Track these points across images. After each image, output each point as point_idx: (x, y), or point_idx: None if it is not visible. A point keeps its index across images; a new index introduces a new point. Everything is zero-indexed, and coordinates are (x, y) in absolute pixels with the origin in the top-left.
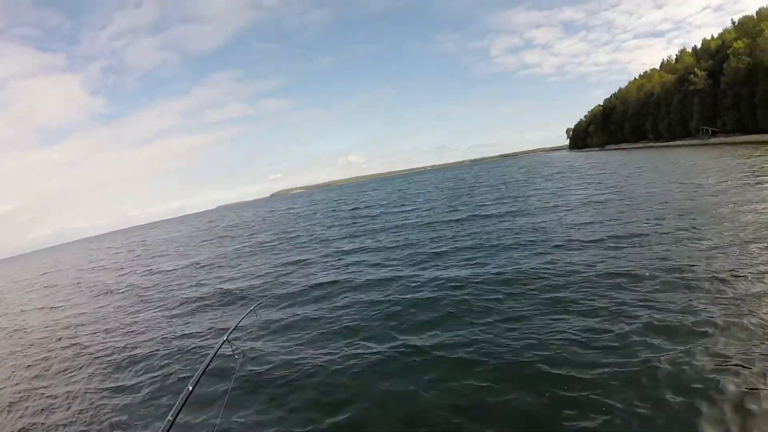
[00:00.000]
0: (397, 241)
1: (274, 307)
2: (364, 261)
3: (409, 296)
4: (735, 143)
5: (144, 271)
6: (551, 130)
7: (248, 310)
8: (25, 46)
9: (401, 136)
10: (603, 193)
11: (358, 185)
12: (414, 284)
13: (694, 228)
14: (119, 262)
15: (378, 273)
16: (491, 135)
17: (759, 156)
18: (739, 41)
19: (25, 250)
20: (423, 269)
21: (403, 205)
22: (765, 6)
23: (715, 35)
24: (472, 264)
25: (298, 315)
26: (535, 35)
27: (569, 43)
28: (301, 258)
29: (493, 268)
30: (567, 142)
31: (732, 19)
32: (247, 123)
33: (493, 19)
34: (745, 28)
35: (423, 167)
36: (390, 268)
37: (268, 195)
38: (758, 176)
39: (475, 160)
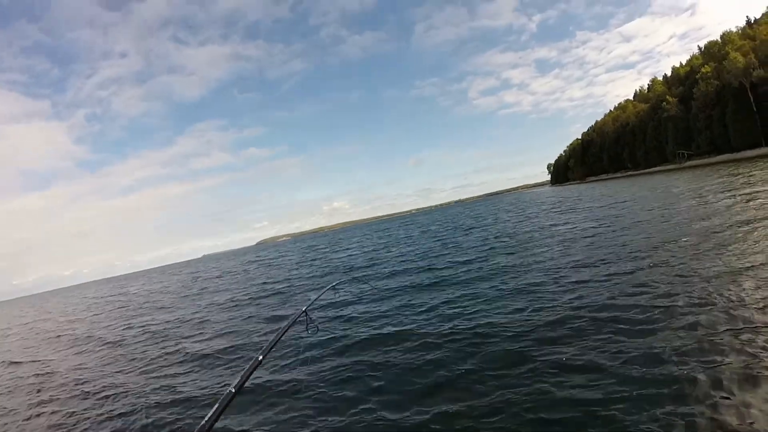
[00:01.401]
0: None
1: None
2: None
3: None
4: (710, 164)
5: (120, 325)
6: (533, 167)
7: (328, 286)
8: (11, 92)
9: (385, 180)
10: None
11: (344, 231)
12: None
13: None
14: (97, 314)
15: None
16: (475, 175)
17: (734, 174)
18: (706, 66)
19: (9, 296)
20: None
21: (392, 248)
22: (728, 30)
23: (684, 62)
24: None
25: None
26: (511, 75)
27: (544, 81)
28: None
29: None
30: (549, 177)
31: (698, 45)
32: (230, 171)
33: (470, 62)
34: (711, 52)
35: (408, 210)
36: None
37: (254, 243)
38: (728, 191)
39: (460, 201)
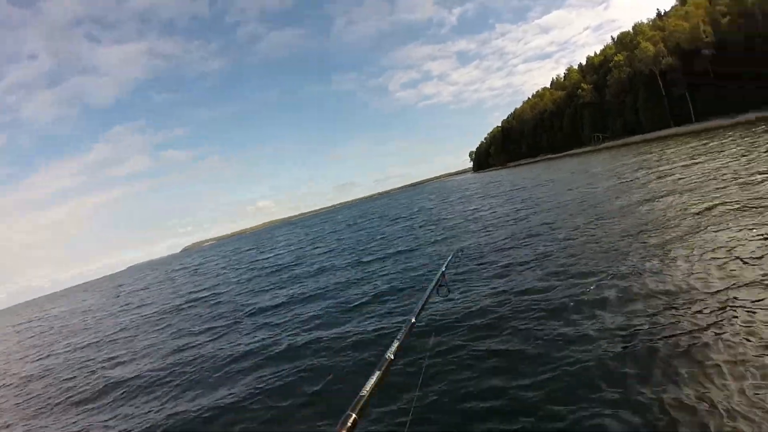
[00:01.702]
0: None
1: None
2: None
3: None
4: (625, 145)
5: (39, 355)
6: (455, 156)
7: (452, 254)
8: None
9: (308, 177)
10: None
11: (268, 230)
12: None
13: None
14: (13, 343)
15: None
16: (397, 167)
17: (647, 153)
18: (619, 55)
19: None
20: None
21: (319, 246)
22: (639, 21)
23: (598, 52)
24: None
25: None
26: (431, 67)
27: (464, 72)
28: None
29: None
30: (471, 165)
31: (612, 36)
32: (151, 177)
33: (390, 56)
34: (624, 42)
35: (332, 205)
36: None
37: (179, 250)
38: (643, 169)
39: (383, 193)
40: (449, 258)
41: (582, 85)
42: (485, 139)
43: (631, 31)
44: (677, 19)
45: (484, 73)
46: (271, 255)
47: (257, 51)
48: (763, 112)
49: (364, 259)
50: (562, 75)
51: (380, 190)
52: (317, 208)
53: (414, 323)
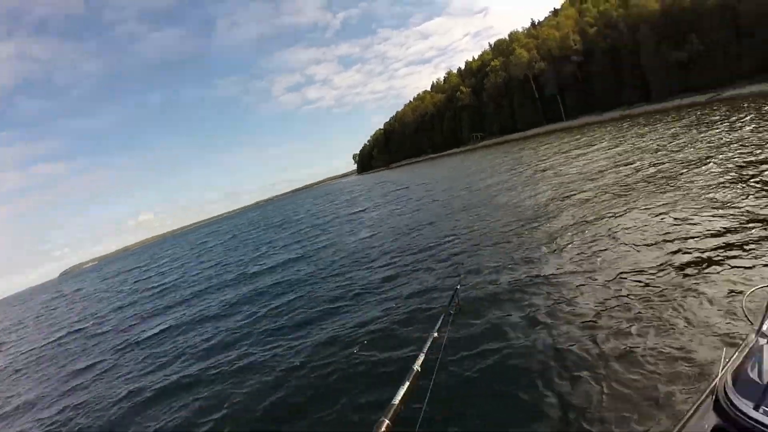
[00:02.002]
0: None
1: None
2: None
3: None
4: (502, 143)
5: None
6: (340, 159)
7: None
8: None
9: (192, 187)
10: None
11: (155, 245)
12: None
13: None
14: None
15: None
16: (282, 173)
17: (522, 149)
18: (495, 60)
19: None
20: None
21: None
22: (515, 30)
23: (476, 57)
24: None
25: None
26: (314, 71)
27: (347, 76)
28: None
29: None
30: (355, 167)
31: (489, 43)
32: (22, 196)
33: (273, 59)
34: (500, 48)
35: (218, 215)
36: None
37: (57, 275)
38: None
39: (269, 199)
40: (460, 277)
41: (461, 88)
42: (368, 141)
43: (507, 38)
44: (549, 28)
45: (366, 77)
46: (155, 274)
47: (137, 52)
48: (626, 110)
49: (251, 271)
50: (442, 79)
51: (268, 196)
52: (205, 218)
53: (436, 337)
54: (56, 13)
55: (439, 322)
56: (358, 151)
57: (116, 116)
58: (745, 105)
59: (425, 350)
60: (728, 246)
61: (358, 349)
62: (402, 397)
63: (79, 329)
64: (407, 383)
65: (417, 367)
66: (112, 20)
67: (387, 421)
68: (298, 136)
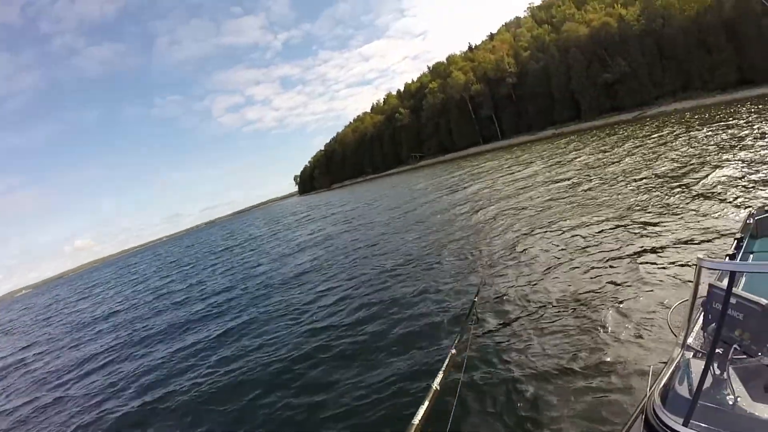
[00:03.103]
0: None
1: None
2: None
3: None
4: (440, 162)
5: None
6: (280, 180)
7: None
8: None
9: (130, 210)
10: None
11: (91, 272)
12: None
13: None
14: None
15: None
16: (223, 194)
17: (461, 167)
18: (433, 82)
19: None
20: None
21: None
22: (452, 53)
23: (415, 79)
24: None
25: None
26: (254, 92)
27: (288, 97)
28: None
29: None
30: (296, 188)
31: (428, 65)
32: None
33: (213, 79)
34: (438, 71)
35: (158, 239)
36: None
37: None
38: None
39: (210, 222)
40: (478, 290)
41: (400, 109)
42: (309, 162)
43: (445, 61)
44: (485, 52)
45: (307, 98)
46: (88, 304)
47: (74, 66)
48: (558, 128)
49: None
50: (381, 100)
51: (209, 218)
52: (144, 242)
53: (454, 354)
54: None
55: (457, 337)
56: (298, 173)
57: (53, 133)
58: (672, 120)
59: (444, 368)
60: (653, 260)
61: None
62: (422, 418)
63: (7, 365)
64: (426, 403)
65: (436, 385)
66: (49, 32)
67: None
68: (238, 158)
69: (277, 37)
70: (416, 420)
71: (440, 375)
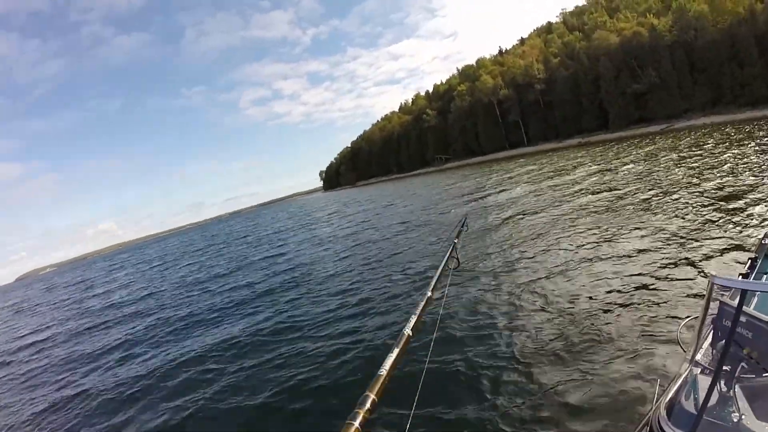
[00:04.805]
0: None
1: None
2: None
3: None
4: (467, 165)
5: None
6: (305, 174)
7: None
8: None
9: (154, 197)
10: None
11: (115, 254)
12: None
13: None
14: None
15: None
16: (247, 187)
17: (490, 172)
18: (462, 85)
19: None
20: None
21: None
22: (482, 56)
23: (444, 80)
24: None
25: None
26: (282, 86)
27: (315, 93)
28: None
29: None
30: (321, 183)
31: (457, 67)
32: None
33: (240, 71)
34: (467, 74)
35: (180, 227)
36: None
37: (13, 279)
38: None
39: (233, 213)
40: (458, 229)
41: (427, 110)
42: (335, 158)
43: (474, 64)
44: (515, 57)
45: (334, 95)
46: (119, 286)
47: (101, 55)
48: (585, 137)
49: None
50: (410, 100)
51: (232, 209)
52: (167, 229)
53: (430, 297)
54: (18, 8)
55: (434, 279)
56: (324, 168)
57: (77, 120)
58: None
59: (418, 311)
60: (668, 275)
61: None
62: (390, 368)
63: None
64: (396, 350)
65: (408, 330)
66: (77, 21)
67: (372, 396)
68: (263, 150)
69: (306, 32)
70: (382, 371)
71: (413, 319)
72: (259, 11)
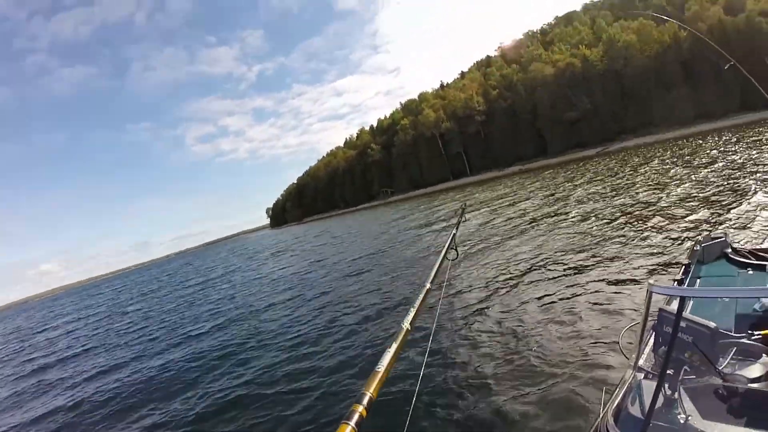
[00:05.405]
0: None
1: None
2: None
3: None
4: (409, 198)
5: None
6: (252, 212)
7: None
8: None
9: (99, 237)
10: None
11: (55, 300)
12: None
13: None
14: None
15: None
16: (194, 225)
17: (432, 205)
18: (405, 119)
19: None
20: None
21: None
22: (424, 91)
23: (387, 115)
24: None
25: None
26: (228, 122)
27: (261, 129)
28: None
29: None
30: (268, 221)
31: (400, 102)
32: None
33: (186, 107)
34: (410, 108)
35: (126, 267)
36: None
37: None
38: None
39: (180, 252)
40: (457, 220)
41: (372, 145)
42: (282, 195)
43: (417, 98)
44: (456, 90)
45: (280, 131)
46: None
47: (45, 86)
48: (525, 164)
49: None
50: (354, 135)
51: (179, 249)
52: (113, 270)
53: (429, 288)
54: None
55: (434, 270)
56: (270, 205)
57: (19, 153)
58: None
59: (417, 305)
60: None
61: None
62: (388, 365)
63: None
64: (395, 345)
65: (407, 324)
66: (22, 48)
67: (369, 395)
68: (211, 188)
69: (252, 68)
70: (380, 368)
71: (411, 313)
72: (206, 46)
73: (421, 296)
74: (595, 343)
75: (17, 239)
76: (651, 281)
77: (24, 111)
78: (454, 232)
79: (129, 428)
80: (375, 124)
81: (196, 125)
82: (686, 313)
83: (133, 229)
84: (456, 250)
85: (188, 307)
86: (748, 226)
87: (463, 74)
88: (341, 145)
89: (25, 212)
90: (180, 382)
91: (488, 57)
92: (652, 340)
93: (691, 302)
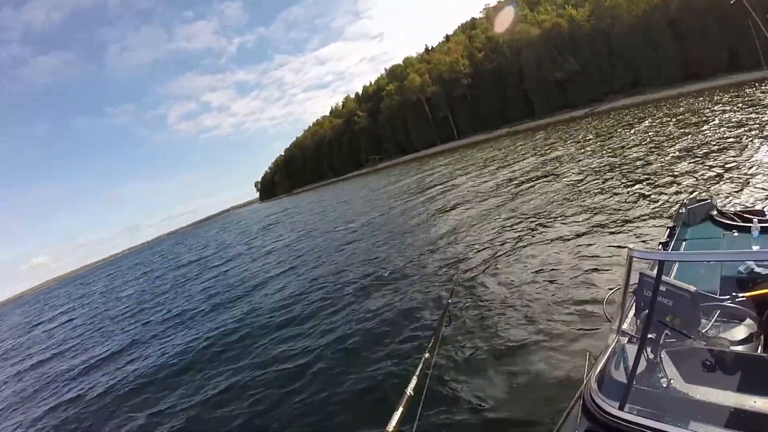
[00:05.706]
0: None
1: None
2: None
3: None
4: (401, 163)
5: None
6: (240, 187)
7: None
8: None
9: (87, 225)
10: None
11: (47, 292)
12: None
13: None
14: None
15: None
16: (183, 205)
17: (423, 170)
18: (390, 85)
19: None
20: None
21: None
22: (409, 56)
23: (372, 82)
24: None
25: None
26: (210, 98)
27: (244, 103)
28: None
29: None
30: (257, 195)
31: (384, 68)
32: None
33: (167, 86)
34: (395, 73)
35: (118, 253)
36: None
37: None
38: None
39: (171, 233)
40: (452, 288)
41: (358, 112)
42: (269, 168)
43: (401, 63)
44: (441, 53)
45: (264, 103)
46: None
47: (21, 77)
48: (513, 126)
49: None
50: (340, 103)
51: (169, 230)
52: (104, 257)
53: (428, 358)
54: None
55: (431, 341)
56: (259, 179)
57: (2, 148)
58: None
59: (418, 372)
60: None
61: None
62: (396, 423)
63: None
64: (401, 409)
65: (410, 390)
66: None
67: None
68: (197, 166)
69: (232, 41)
70: (391, 426)
71: (414, 380)
72: (183, 22)
73: (421, 364)
74: (581, 308)
75: (7, 237)
76: (631, 245)
77: (2, 104)
78: (448, 301)
79: (134, 415)
80: (360, 92)
81: (178, 103)
82: (667, 277)
83: (121, 214)
84: (450, 317)
85: (182, 286)
86: (735, 189)
87: (448, 37)
88: (327, 114)
89: (13, 208)
90: (178, 367)
91: (473, 19)
92: (634, 305)
93: (676, 265)
